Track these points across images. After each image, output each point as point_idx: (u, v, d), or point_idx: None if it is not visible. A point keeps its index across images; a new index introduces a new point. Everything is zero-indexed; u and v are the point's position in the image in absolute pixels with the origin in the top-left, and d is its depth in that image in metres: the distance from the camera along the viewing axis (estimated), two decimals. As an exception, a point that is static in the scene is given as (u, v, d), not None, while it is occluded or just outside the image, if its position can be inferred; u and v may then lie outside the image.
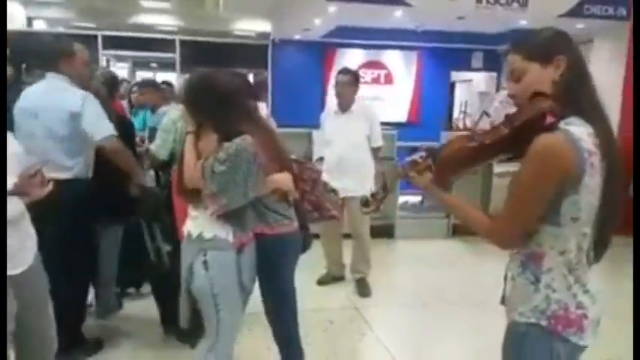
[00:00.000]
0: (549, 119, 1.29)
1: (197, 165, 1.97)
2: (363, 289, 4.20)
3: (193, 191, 2.02)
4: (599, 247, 1.41)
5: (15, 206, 1.72)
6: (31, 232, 1.89)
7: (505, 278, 1.51)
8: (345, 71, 4.18)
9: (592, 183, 1.30)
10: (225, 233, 2.02)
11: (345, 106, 4.11)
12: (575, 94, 1.35)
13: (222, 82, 2.06)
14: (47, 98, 2.74)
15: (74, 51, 2.84)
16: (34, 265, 1.87)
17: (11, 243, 1.73)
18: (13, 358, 1.94)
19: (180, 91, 2.03)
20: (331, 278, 4.38)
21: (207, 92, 2.04)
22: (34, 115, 2.70)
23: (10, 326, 1.75)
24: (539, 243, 1.37)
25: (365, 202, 1.66)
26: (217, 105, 2.01)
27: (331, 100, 9.96)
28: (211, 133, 2.03)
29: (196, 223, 2.06)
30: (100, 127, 2.78)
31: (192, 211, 2.10)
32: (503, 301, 1.52)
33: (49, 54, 2.81)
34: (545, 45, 1.39)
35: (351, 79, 4.12)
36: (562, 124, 1.30)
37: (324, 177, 4.00)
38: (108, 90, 3.25)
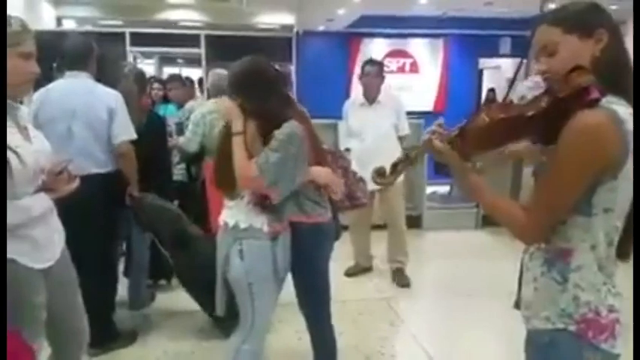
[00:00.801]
0: (594, 94, 1.14)
1: (252, 164, 1.98)
2: (402, 279, 4.19)
3: (229, 184, 2.05)
4: (626, 242, 1.26)
5: (43, 202, 1.76)
6: (58, 226, 1.92)
7: (520, 280, 1.38)
8: (371, 62, 4.15)
9: (632, 169, 1.17)
10: (260, 223, 2.05)
11: (372, 97, 4.08)
12: (617, 72, 1.22)
13: (268, 69, 2.12)
14: (84, 96, 2.78)
15: (94, 50, 2.90)
16: (61, 259, 1.90)
17: (39, 237, 1.76)
18: (46, 347, 1.98)
19: (226, 82, 2.00)
20: (360, 269, 4.38)
21: (259, 77, 2.08)
22: (71, 113, 2.74)
23: (42, 315, 1.80)
24: (568, 237, 1.23)
25: (380, 172, 1.46)
26: (267, 90, 2.05)
27: (356, 90, 9.88)
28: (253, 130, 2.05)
29: (232, 213, 2.09)
30: (126, 129, 2.85)
31: (227, 202, 2.13)
32: (517, 305, 1.40)
33: (81, 54, 2.86)
34: (583, 16, 1.25)
35: (378, 70, 4.08)
36: (603, 102, 1.16)
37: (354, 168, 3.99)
38: (139, 87, 3.31)
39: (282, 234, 2.13)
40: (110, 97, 2.81)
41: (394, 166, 1.44)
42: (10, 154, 1.61)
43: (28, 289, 1.74)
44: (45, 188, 1.75)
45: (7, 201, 1.60)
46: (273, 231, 2.08)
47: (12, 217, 1.62)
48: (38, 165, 1.74)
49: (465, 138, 1.31)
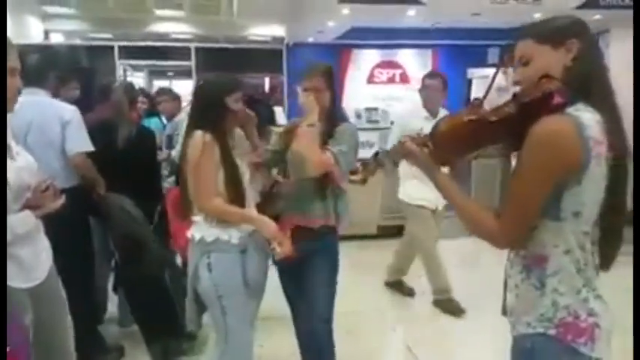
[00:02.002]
0: (557, 99, 1.18)
1: (326, 153, 2.12)
2: (407, 288, 4.21)
3: (188, 203, 2.08)
4: (607, 250, 1.29)
5: (28, 220, 1.72)
6: (45, 244, 1.89)
7: (505, 286, 1.40)
8: (433, 75, 4.04)
9: (597, 175, 1.20)
10: (228, 235, 2.04)
11: (435, 111, 3.94)
12: (587, 81, 1.25)
13: None
14: (39, 110, 2.71)
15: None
16: (49, 277, 1.86)
17: (25, 257, 1.73)
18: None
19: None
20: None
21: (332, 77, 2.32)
22: (27, 126, 2.65)
23: (28, 337, 1.74)
24: (542, 242, 1.26)
25: (353, 171, 1.57)
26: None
27: (347, 100, 9.88)
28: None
29: (198, 228, 2.09)
30: (79, 141, 2.78)
31: (193, 217, 2.13)
32: (504, 311, 1.41)
33: (35, 70, 2.73)
34: (556, 27, 1.30)
35: (441, 83, 3.98)
36: (571, 110, 1.20)
37: (415, 185, 3.74)
38: (129, 100, 3.29)
39: (253, 245, 2.11)
40: (65, 110, 2.75)
41: (365, 164, 1.55)
42: None
43: (14, 310, 1.67)
44: (30, 205, 1.72)
45: None
46: (243, 242, 2.06)
47: None
48: (23, 182, 1.71)
49: (437, 141, 1.37)
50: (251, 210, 2.09)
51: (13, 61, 1.68)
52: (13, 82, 1.69)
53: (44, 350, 1.90)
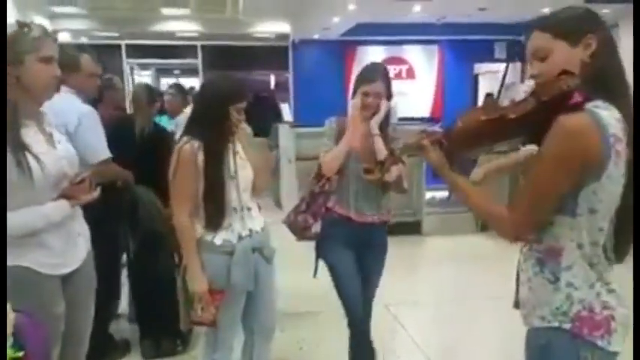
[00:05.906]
0: (577, 97, 1.17)
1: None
2: None
3: None
4: (621, 244, 1.27)
5: (65, 207, 1.72)
6: (80, 231, 1.87)
7: (517, 280, 1.39)
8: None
9: (616, 172, 1.18)
10: (211, 236, 1.99)
11: None
12: (605, 77, 1.23)
13: None
14: (52, 115, 2.68)
15: (79, 64, 2.71)
16: (84, 265, 1.86)
17: (58, 244, 1.73)
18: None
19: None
20: None
21: None
22: None
23: (60, 327, 1.75)
24: (557, 236, 1.25)
25: (368, 170, 1.52)
26: None
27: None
28: None
29: None
30: (96, 150, 2.66)
31: None
32: (516, 305, 1.40)
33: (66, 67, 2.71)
34: (573, 23, 1.27)
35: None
36: (589, 106, 1.18)
37: None
38: (148, 98, 3.32)
39: (242, 249, 2.01)
40: (72, 118, 2.55)
41: (381, 163, 1.51)
42: (31, 160, 1.60)
43: (46, 299, 1.70)
44: (64, 195, 1.73)
45: (29, 206, 1.60)
46: (228, 245, 1.99)
47: (34, 223, 1.62)
48: (61, 171, 1.72)
49: (454, 138, 1.36)
50: (196, 260, 1.97)
51: (49, 50, 1.70)
52: (48, 70, 1.70)
53: (65, 335, 1.84)
